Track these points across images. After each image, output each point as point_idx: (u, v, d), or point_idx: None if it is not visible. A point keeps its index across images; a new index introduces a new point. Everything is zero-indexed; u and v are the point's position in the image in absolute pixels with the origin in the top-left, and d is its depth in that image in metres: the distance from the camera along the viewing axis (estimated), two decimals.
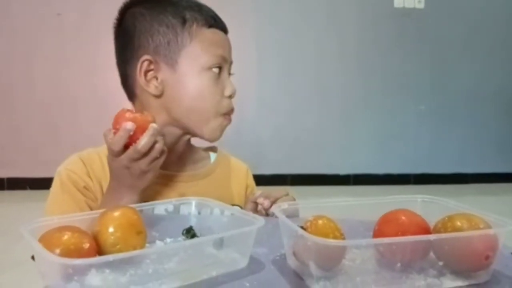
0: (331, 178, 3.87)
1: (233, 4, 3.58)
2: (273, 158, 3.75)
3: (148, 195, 0.85)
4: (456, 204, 0.66)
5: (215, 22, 0.92)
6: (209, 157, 1.04)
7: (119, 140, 0.75)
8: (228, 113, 0.92)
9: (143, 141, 0.75)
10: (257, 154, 3.54)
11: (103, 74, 3.68)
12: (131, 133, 0.75)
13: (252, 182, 1.07)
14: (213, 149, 1.06)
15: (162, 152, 0.78)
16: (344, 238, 0.57)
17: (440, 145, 4.05)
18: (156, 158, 0.78)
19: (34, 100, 3.66)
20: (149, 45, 0.89)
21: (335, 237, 0.55)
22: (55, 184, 0.88)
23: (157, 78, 0.89)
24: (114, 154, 0.77)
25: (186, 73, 0.89)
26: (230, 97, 0.91)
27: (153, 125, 0.76)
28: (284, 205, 0.65)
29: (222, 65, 0.90)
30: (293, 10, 3.80)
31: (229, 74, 0.93)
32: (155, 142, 0.77)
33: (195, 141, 1.01)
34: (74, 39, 3.64)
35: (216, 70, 0.89)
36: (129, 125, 0.74)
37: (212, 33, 0.91)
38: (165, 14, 0.90)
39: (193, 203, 0.74)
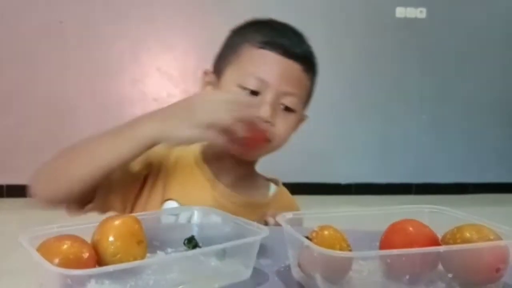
0: (333, 187, 3.85)
1: (235, 17, 3.59)
2: (274, 166, 3.73)
3: (193, 196, 0.86)
4: (464, 215, 0.65)
5: (268, 44, 0.88)
6: (268, 187, 1.01)
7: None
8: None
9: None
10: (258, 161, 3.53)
11: (103, 81, 3.69)
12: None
13: None
14: (275, 181, 1.03)
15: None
16: (350, 249, 0.55)
17: (441, 155, 4.03)
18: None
19: (34, 107, 3.65)
20: (216, 58, 0.96)
21: (341, 248, 0.54)
22: None
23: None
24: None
25: (223, 87, 0.90)
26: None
27: None
28: (288, 214, 0.63)
29: (259, 88, 0.86)
30: (294, 19, 3.79)
31: (283, 105, 0.87)
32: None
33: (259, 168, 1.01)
34: (76, 46, 3.65)
35: (246, 89, 0.86)
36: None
37: (259, 54, 0.88)
38: (238, 34, 0.95)
39: (195, 212, 0.73)
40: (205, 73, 0.96)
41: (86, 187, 0.79)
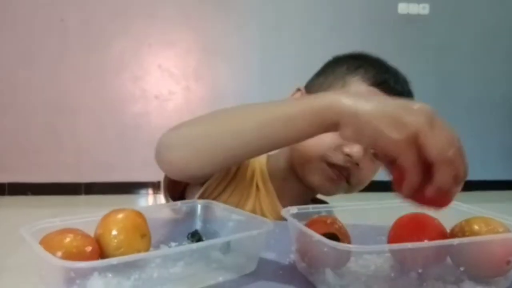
0: None
1: (236, 13, 3.59)
2: None
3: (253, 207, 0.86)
4: (468, 207, 0.64)
5: (380, 85, 0.85)
6: None
7: None
8: (335, 165, 0.83)
9: None
10: None
11: (104, 78, 3.69)
12: None
13: None
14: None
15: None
16: (349, 237, 0.55)
17: None
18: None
19: (36, 105, 3.65)
20: (313, 79, 0.93)
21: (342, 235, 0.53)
22: None
23: None
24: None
25: None
26: (348, 156, 0.82)
27: None
28: (293, 209, 0.62)
29: None
30: (297, 17, 3.79)
31: (374, 150, 0.81)
32: None
33: None
34: (77, 44, 3.65)
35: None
36: None
37: (368, 91, 0.84)
38: (345, 64, 0.90)
39: (199, 206, 0.72)
40: (299, 89, 0.94)
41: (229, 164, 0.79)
